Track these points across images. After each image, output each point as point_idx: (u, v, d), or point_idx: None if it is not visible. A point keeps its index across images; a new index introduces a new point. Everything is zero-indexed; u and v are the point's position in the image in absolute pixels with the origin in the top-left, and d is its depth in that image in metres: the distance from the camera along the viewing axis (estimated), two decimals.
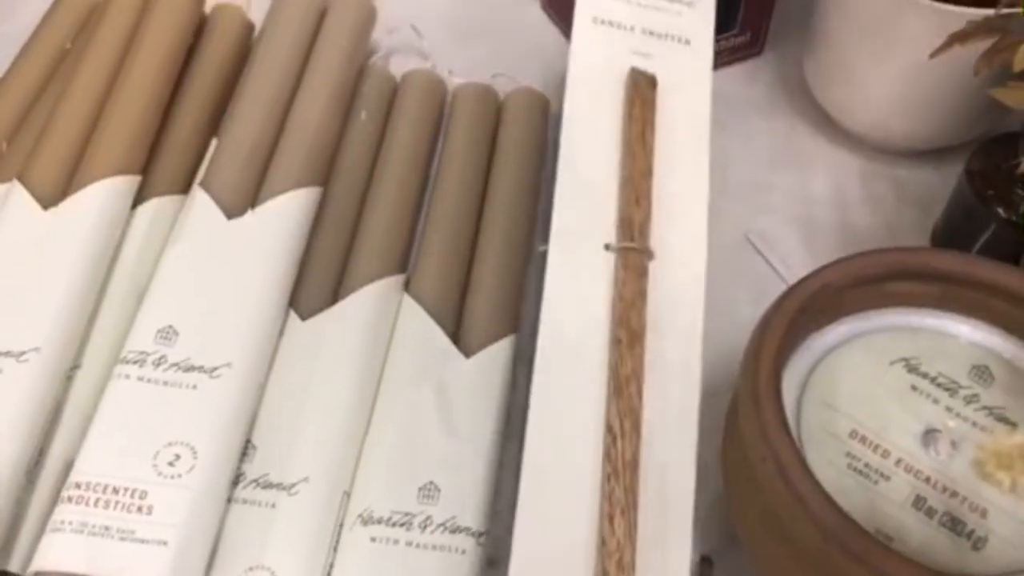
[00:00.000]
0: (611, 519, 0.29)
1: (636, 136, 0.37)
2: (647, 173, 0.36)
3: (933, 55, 0.37)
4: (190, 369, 0.34)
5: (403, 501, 0.34)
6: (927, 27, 0.40)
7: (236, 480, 0.34)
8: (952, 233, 0.43)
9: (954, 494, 0.29)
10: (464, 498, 0.34)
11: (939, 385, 0.31)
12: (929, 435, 0.30)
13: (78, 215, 0.38)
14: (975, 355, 0.32)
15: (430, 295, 0.39)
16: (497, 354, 0.38)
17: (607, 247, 0.35)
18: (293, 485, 0.34)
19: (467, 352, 0.38)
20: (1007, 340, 0.32)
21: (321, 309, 0.39)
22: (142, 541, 0.31)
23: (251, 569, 0.32)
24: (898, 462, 0.30)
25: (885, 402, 0.31)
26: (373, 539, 0.33)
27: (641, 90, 0.39)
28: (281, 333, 0.38)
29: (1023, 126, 0.39)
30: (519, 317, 0.40)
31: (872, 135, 0.47)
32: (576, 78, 0.39)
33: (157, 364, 0.34)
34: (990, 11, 0.36)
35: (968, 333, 0.32)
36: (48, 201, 0.39)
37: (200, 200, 0.39)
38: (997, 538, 0.28)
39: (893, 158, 0.48)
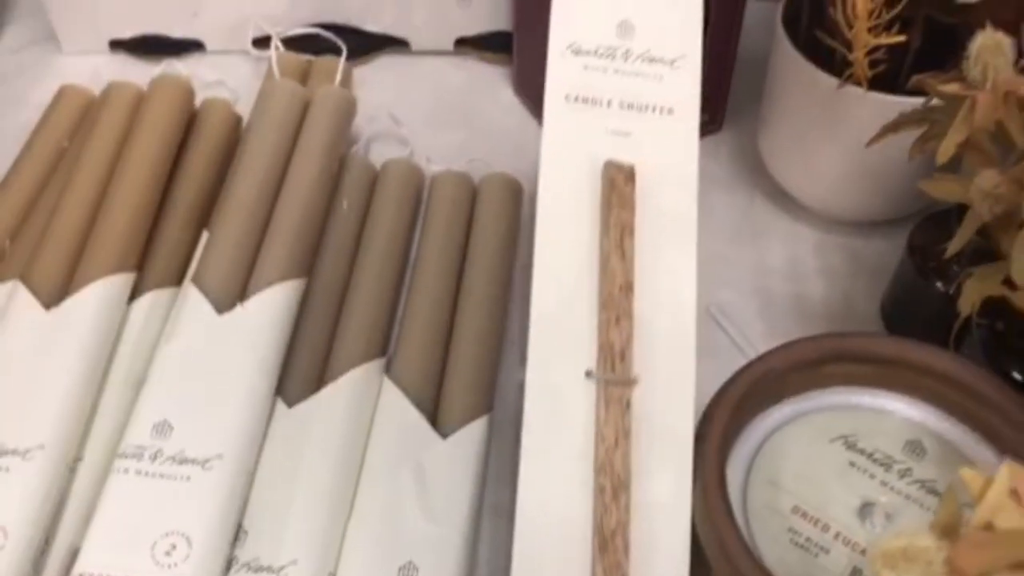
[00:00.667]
0: None
1: (614, 246, 0.35)
2: (627, 288, 0.35)
3: (869, 143, 0.40)
4: (184, 461, 0.37)
5: None
6: (865, 113, 0.43)
7: (228, 564, 0.36)
8: (897, 305, 0.45)
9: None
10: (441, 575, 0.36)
11: (875, 460, 0.34)
12: (866, 508, 0.33)
13: (78, 314, 0.41)
14: (909, 431, 0.35)
15: (409, 378, 0.42)
16: (473, 433, 0.40)
17: (588, 374, 0.34)
18: (282, 568, 0.36)
19: (444, 433, 0.40)
20: (938, 416, 0.35)
21: (307, 395, 0.41)
22: None
23: None
24: (836, 535, 0.32)
25: (825, 478, 0.33)
26: None
27: (618, 188, 0.36)
28: (269, 420, 0.40)
29: (956, 211, 0.42)
30: (493, 396, 0.43)
31: (824, 209, 0.50)
32: (549, 171, 0.37)
33: (153, 458, 0.37)
34: (921, 100, 0.39)
35: (902, 410, 0.35)
36: (49, 301, 0.42)
37: (192, 296, 0.42)
38: None
39: (846, 229, 0.50)
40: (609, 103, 0.38)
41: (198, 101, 0.52)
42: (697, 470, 0.32)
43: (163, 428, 0.38)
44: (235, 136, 0.52)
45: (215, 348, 0.40)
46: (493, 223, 0.48)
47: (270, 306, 0.42)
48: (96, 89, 0.53)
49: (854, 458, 0.34)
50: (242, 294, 0.42)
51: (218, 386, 0.39)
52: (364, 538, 0.37)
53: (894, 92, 0.43)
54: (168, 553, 0.35)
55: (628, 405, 0.33)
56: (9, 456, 0.37)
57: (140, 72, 0.54)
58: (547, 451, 0.32)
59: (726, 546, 0.29)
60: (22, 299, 0.42)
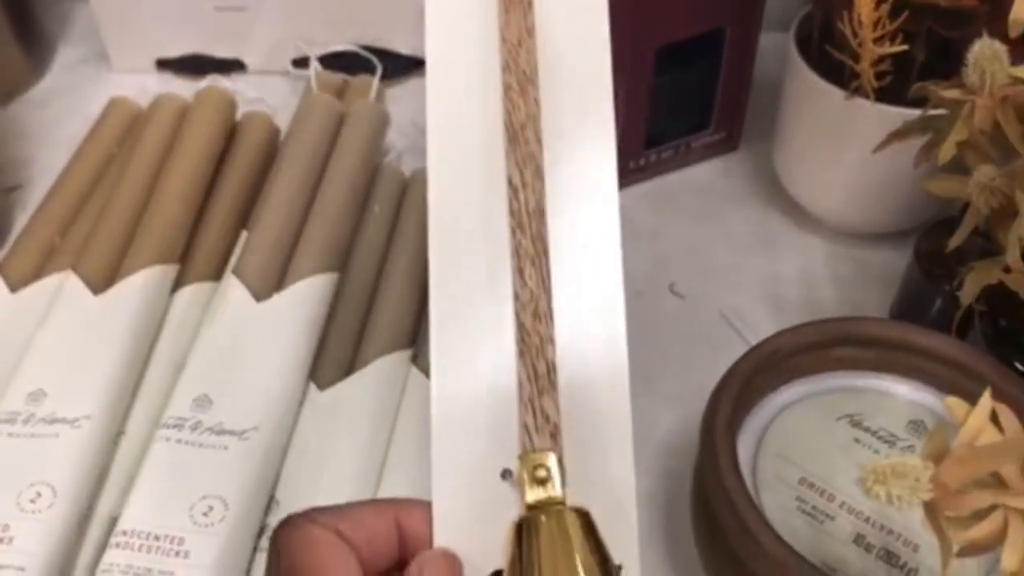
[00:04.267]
0: (521, 272, 0.27)
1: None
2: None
3: (876, 150, 0.42)
4: (222, 432, 0.39)
5: None
6: (872, 125, 0.45)
7: (261, 531, 0.38)
8: (905, 309, 0.47)
9: (891, 532, 0.33)
10: None
11: (879, 438, 0.35)
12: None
13: (124, 300, 0.44)
14: (912, 412, 0.36)
15: None
16: None
17: None
18: None
19: None
20: (940, 398, 0.36)
21: (337, 380, 0.43)
22: None
23: None
24: (842, 505, 0.34)
25: (832, 453, 0.35)
26: None
27: None
28: (302, 402, 0.42)
29: (960, 211, 0.44)
30: None
31: (834, 220, 0.52)
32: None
33: (194, 428, 0.39)
34: (924, 114, 0.42)
35: (906, 393, 0.37)
36: (98, 288, 0.44)
37: (232, 285, 0.44)
38: (926, 569, 0.32)
39: (856, 240, 0.52)
40: None
41: (239, 115, 0.55)
42: (707, 443, 0.33)
43: (203, 402, 0.40)
44: (274, 146, 0.54)
45: (252, 332, 0.42)
46: None
47: (304, 296, 0.44)
48: (144, 103, 0.56)
49: (859, 435, 0.36)
50: (279, 285, 0.45)
51: (254, 366, 0.41)
52: None
53: (900, 104, 0.45)
54: (206, 514, 0.37)
55: (530, 4, 0.29)
56: (59, 424, 0.39)
57: (185, 89, 0.56)
58: (453, 69, 0.29)
59: (735, 506, 0.31)
60: (72, 286, 0.44)
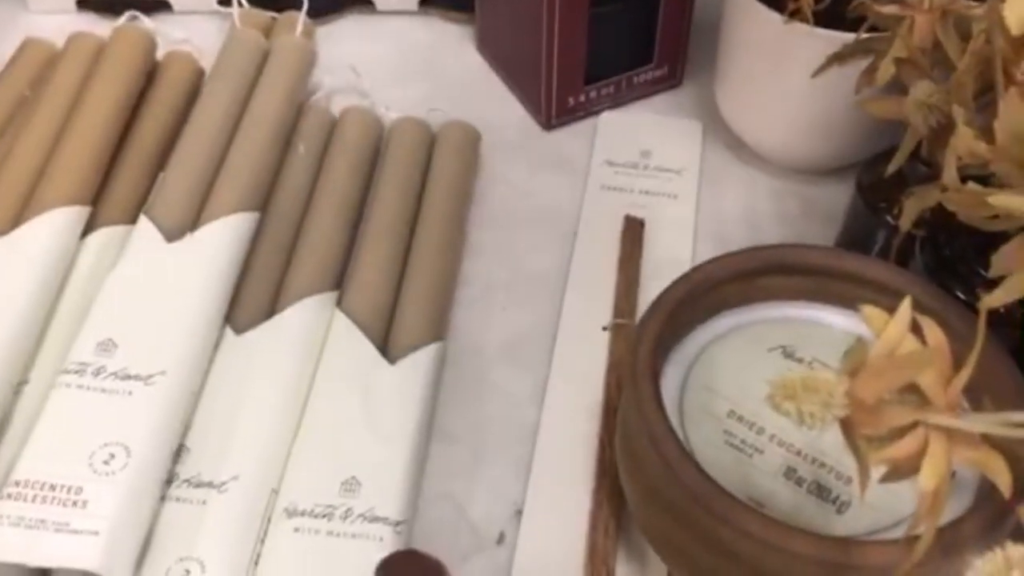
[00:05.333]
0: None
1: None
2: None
3: (815, 74, 0.40)
4: (127, 378, 0.37)
5: (326, 495, 0.36)
6: (810, 51, 0.43)
7: (170, 480, 0.36)
8: (850, 244, 0.46)
9: (823, 465, 0.32)
10: (383, 490, 0.36)
11: (813, 369, 0.34)
12: None
13: (27, 242, 0.41)
14: (847, 341, 0.34)
15: (360, 310, 0.42)
16: (421, 359, 0.40)
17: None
18: (223, 483, 0.36)
19: (392, 359, 0.40)
20: None
21: (256, 324, 0.41)
22: (75, 532, 0.33)
23: (182, 560, 0.34)
24: (772, 437, 0.32)
25: (761, 385, 0.33)
26: (296, 529, 0.35)
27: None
28: (217, 346, 0.40)
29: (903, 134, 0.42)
30: (445, 326, 0.43)
31: (777, 156, 0.50)
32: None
33: (96, 373, 0.37)
34: (863, 35, 0.40)
35: (840, 322, 0.35)
36: (2, 229, 0.42)
37: (143, 226, 0.42)
38: (860, 502, 0.30)
39: (801, 177, 0.51)
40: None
41: (161, 55, 0.52)
42: (631, 375, 0.32)
43: (107, 346, 0.38)
44: (197, 87, 0.52)
45: (162, 273, 0.40)
46: (450, 167, 0.48)
47: (219, 236, 0.42)
48: (60, 43, 0.53)
49: (792, 366, 0.34)
50: (193, 225, 0.43)
51: (164, 309, 0.39)
52: (308, 454, 0.37)
53: (840, 29, 0.43)
54: (106, 462, 0.35)
55: None
56: None
57: (106, 30, 0.54)
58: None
59: (655, 437, 0.30)
60: None
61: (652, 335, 0.32)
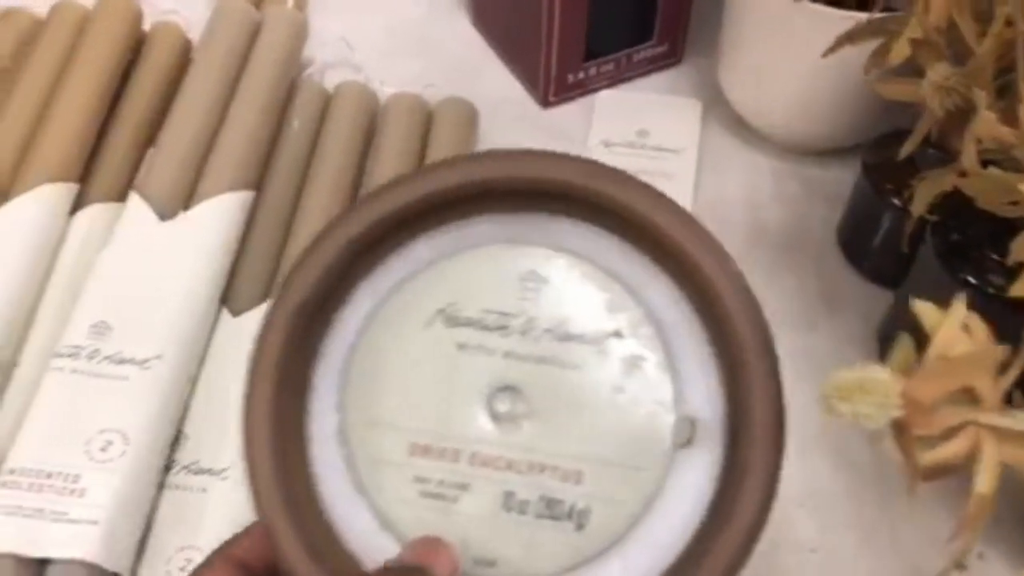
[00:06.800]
0: None
1: None
2: None
3: (825, 54, 0.39)
4: (122, 362, 0.36)
5: None
6: (819, 30, 0.42)
7: (168, 467, 0.35)
8: (854, 226, 0.45)
9: (541, 469, 0.25)
10: None
11: (486, 328, 0.26)
12: (494, 403, 0.25)
13: (13, 220, 0.40)
14: (513, 263, 0.26)
15: None
16: None
17: None
18: (223, 470, 0.35)
19: None
20: (538, 224, 0.27)
21: (253, 305, 0.40)
22: (74, 521, 0.32)
23: (183, 549, 0.34)
24: (472, 459, 0.25)
25: (433, 389, 0.25)
26: None
27: None
28: (213, 328, 0.39)
29: (912, 121, 0.42)
30: None
31: (780, 136, 0.49)
32: None
33: (90, 357, 0.36)
34: (876, 15, 0.39)
35: (492, 232, 0.26)
36: None
37: (134, 203, 0.41)
38: (600, 501, 0.25)
39: (804, 158, 0.50)
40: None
41: (149, 27, 0.51)
42: (242, 436, 0.24)
43: (101, 329, 0.37)
44: (185, 59, 0.50)
45: (156, 253, 0.39)
46: (449, 144, 0.47)
47: (213, 215, 0.41)
48: (43, 13, 0.51)
49: (460, 336, 0.26)
50: (186, 203, 0.41)
51: (159, 289, 0.38)
52: None
53: (848, 7, 0.43)
54: (103, 449, 0.34)
55: None
56: None
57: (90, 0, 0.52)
58: None
59: (274, 535, 0.23)
60: None
61: (272, 366, 0.24)
